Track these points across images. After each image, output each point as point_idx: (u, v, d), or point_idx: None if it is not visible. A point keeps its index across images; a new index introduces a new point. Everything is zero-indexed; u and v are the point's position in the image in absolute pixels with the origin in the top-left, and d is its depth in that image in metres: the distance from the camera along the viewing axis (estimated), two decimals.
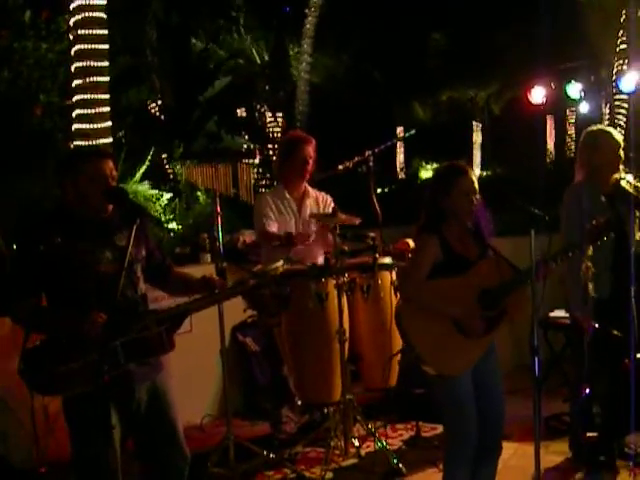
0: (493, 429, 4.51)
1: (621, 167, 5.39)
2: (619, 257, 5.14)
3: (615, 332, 5.11)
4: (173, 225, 9.71)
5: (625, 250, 5.12)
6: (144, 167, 10.12)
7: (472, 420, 4.40)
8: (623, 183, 5.28)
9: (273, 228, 6.14)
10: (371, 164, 6.53)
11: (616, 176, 5.32)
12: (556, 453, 5.79)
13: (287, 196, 6.26)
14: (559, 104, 19.05)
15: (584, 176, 5.46)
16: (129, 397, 3.93)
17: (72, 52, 8.19)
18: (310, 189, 6.38)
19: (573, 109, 24.60)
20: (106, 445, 3.78)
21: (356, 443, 5.95)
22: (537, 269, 4.21)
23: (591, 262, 5.03)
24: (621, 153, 5.40)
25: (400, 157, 26.50)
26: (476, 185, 4.47)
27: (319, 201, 6.38)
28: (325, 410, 6.27)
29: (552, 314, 7.03)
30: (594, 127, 5.63)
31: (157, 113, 15.18)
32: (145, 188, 9.88)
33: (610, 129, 5.67)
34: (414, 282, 4.43)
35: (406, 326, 4.47)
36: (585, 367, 5.45)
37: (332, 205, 6.33)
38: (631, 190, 5.24)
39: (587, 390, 5.52)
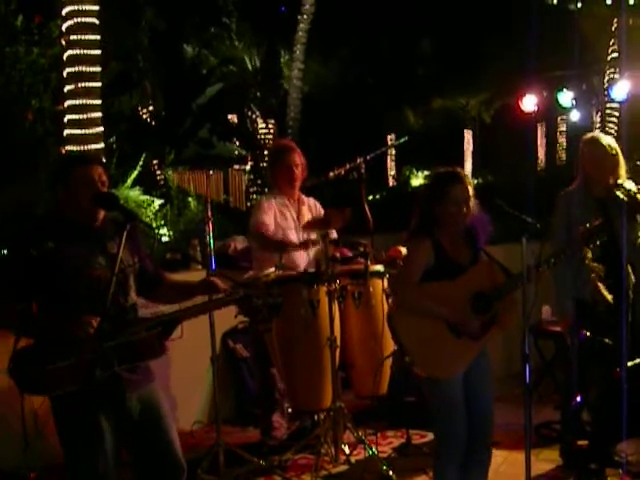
0: (481, 433, 4.51)
1: (622, 172, 5.42)
2: (608, 261, 5.15)
3: (606, 340, 5.12)
4: (164, 231, 9.70)
5: (615, 255, 5.14)
6: (135, 173, 10.11)
7: (461, 422, 4.41)
8: (618, 192, 5.29)
9: (270, 227, 6.17)
10: (362, 171, 6.54)
11: (612, 182, 5.35)
12: (546, 461, 5.78)
13: (287, 203, 6.30)
14: (550, 112, 19.11)
15: (578, 182, 5.51)
16: (120, 404, 3.90)
17: (64, 57, 8.19)
18: (303, 197, 6.41)
19: (564, 117, 24.70)
20: (96, 447, 3.78)
21: (346, 450, 5.94)
22: (529, 273, 4.22)
23: (596, 263, 5.06)
24: (612, 160, 5.41)
25: (391, 164, 26.54)
26: (471, 192, 4.47)
27: (311, 208, 6.41)
28: (315, 417, 6.26)
29: (543, 311, 7.06)
30: (588, 135, 5.66)
31: (148, 119, 15.19)
32: (136, 194, 9.87)
33: (601, 136, 5.69)
34: (407, 286, 4.44)
35: (399, 329, 4.47)
36: (576, 375, 5.47)
37: (321, 210, 6.36)
38: (624, 197, 5.25)
39: (578, 398, 5.53)
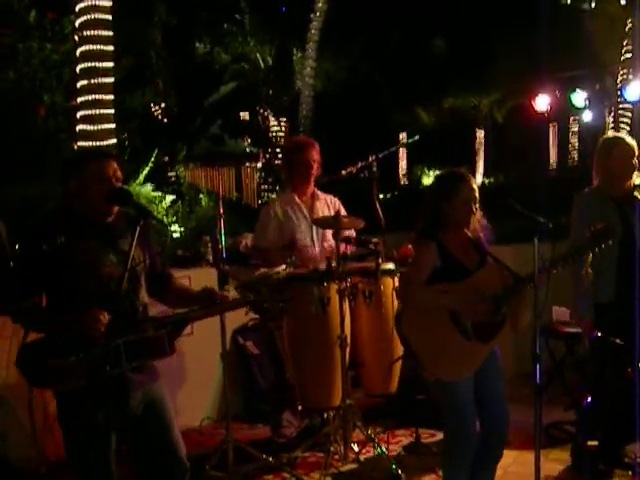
0: (497, 434, 4.51)
1: (635, 173, 5.41)
2: (624, 261, 5.14)
3: (617, 340, 5.11)
4: (175, 227, 9.70)
5: (631, 254, 5.12)
6: (147, 169, 10.12)
7: (472, 424, 4.41)
8: (636, 193, 5.29)
9: (266, 244, 6.20)
10: (374, 169, 6.53)
11: (630, 182, 5.34)
12: (556, 461, 5.78)
13: (297, 200, 6.28)
14: (562, 112, 19.07)
15: (597, 183, 5.47)
16: (124, 403, 3.87)
17: (77, 53, 8.21)
18: (319, 192, 6.40)
19: (576, 118, 24.66)
20: (100, 445, 3.77)
21: (355, 448, 5.93)
22: (537, 277, 4.21)
23: (592, 268, 5.04)
24: (635, 160, 5.39)
25: (402, 163, 26.55)
26: (476, 193, 4.47)
27: (329, 204, 6.39)
28: (325, 415, 6.25)
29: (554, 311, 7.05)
30: (610, 134, 5.66)
31: (160, 116, 15.21)
32: (148, 190, 9.87)
33: (624, 136, 5.66)
34: (415, 287, 4.43)
35: (406, 332, 4.47)
36: (587, 375, 5.45)
37: (341, 208, 6.34)
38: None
39: (589, 398, 5.52)
